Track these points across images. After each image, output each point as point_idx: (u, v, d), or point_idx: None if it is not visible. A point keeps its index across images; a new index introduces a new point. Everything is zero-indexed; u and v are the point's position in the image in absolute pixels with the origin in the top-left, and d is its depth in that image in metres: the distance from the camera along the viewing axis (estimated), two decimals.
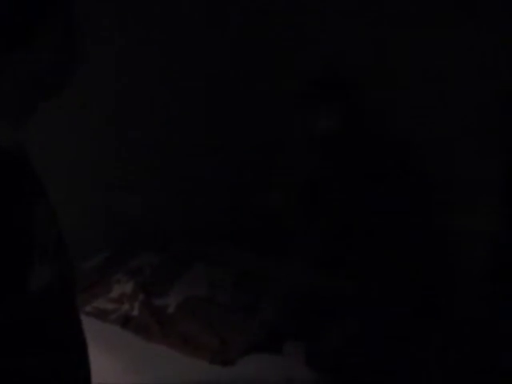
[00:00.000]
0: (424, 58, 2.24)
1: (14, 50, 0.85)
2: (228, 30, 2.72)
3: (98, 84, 2.36)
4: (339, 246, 2.11)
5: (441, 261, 2.33)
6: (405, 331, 2.02)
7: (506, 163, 2.14)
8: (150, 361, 1.85)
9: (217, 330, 1.99)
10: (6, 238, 0.81)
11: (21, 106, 0.91)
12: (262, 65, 2.67)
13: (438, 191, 2.33)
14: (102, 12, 2.33)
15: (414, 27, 2.22)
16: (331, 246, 2.13)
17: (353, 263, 2.09)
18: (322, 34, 2.47)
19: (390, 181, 2.24)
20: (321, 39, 2.48)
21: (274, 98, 2.62)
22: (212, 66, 2.75)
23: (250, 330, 1.98)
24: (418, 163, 2.36)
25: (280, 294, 2.12)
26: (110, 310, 2.16)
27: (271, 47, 2.64)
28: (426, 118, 2.27)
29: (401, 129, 2.36)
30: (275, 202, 2.30)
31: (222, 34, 2.72)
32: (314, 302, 1.97)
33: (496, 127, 2.14)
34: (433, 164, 2.33)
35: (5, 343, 0.82)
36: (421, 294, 2.24)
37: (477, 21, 2.11)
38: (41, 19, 0.85)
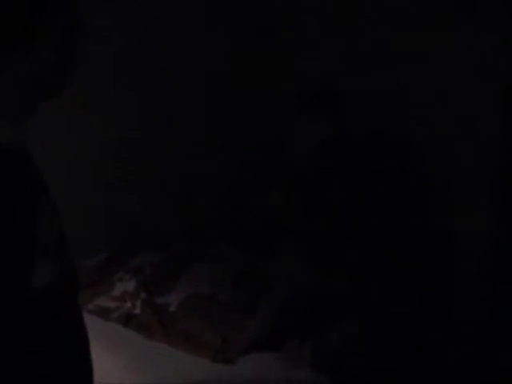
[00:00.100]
0: (424, 58, 2.24)
1: (14, 50, 0.85)
2: (228, 30, 2.72)
3: (97, 84, 2.37)
4: (339, 246, 2.11)
5: (440, 261, 2.33)
6: (405, 331, 2.02)
7: (506, 163, 2.14)
8: (152, 359, 1.86)
9: (218, 328, 2.00)
10: (7, 236, 0.81)
11: (21, 106, 0.90)
12: (262, 65, 2.67)
13: (437, 191, 2.33)
14: (101, 12, 2.33)
15: (414, 27, 2.22)
16: (331, 246, 2.12)
17: (353, 263, 2.09)
18: (321, 35, 2.48)
19: (389, 181, 2.24)
20: (321, 39, 2.49)
21: (274, 98, 2.62)
22: (212, 66, 2.75)
23: (251, 330, 1.98)
24: (417, 163, 2.36)
25: (280, 293, 2.12)
26: (112, 308, 2.17)
27: (271, 47, 2.64)
28: (426, 118, 2.26)
29: (401, 129, 2.36)
30: (275, 202, 2.29)
31: (222, 34, 2.72)
32: (313, 302, 1.97)
33: (496, 127, 2.14)
34: (433, 164, 2.33)
35: (6, 341, 0.82)
36: (420, 294, 2.24)
37: (477, 21, 2.11)
38: (41, 19, 0.85)
